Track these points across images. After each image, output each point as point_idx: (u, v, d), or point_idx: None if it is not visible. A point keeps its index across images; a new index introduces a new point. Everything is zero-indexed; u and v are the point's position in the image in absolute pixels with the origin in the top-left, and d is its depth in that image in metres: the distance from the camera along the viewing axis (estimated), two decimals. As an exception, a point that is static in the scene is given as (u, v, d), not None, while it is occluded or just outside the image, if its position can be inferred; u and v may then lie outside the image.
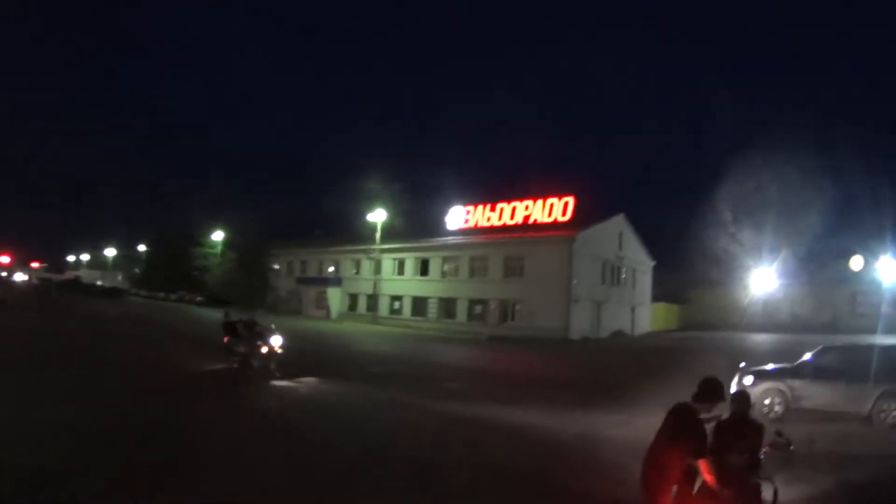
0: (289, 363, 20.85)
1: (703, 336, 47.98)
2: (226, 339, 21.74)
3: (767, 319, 53.37)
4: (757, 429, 6.39)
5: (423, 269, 56.33)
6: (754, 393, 16.08)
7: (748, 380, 16.69)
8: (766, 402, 16.22)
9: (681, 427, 5.96)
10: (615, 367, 30.08)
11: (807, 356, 17.19)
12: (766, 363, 18.73)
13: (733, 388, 16.70)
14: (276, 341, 20.48)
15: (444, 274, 54.84)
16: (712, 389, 6.18)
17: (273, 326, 21.31)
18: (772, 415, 15.97)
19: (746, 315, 54.41)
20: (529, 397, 18.71)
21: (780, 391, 16.29)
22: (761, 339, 45.20)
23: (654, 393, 17.35)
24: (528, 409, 16.25)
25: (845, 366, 16.34)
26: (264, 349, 20.28)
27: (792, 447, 6.27)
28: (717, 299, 59.26)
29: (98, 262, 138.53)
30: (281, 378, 19.38)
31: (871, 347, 18.29)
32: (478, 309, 51.57)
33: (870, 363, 16.12)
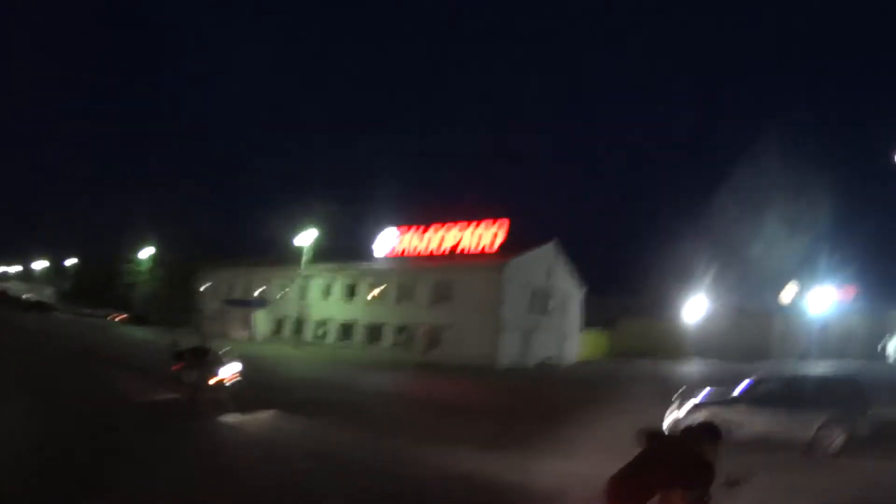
0: (242, 394, 19.06)
1: (634, 364, 47.43)
2: (175, 367, 19.45)
3: (699, 347, 53.14)
4: (707, 469, 5.61)
5: (351, 293, 54.79)
6: (691, 422, 15.31)
7: (685, 408, 16.19)
8: None
9: (686, 469, 5.56)
10: (544, 397, 29.68)
11: (744, 384, 16.90)
12: (700, 391, 18.09)
13: (668, 419, 16.47)
14: (230, 369, 19.15)
15: (371, 299, 53.43)
16: (713, 431, 6.00)
17: (227, 351, 20.31)
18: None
19: (679, 343, 54.14)
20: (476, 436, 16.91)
21: (717, 420, 15.45)
22: (692, 367, 44.88)
23: (591, 429, 16.61)
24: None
25: (785, 393, 16.19)
26: (213, 380, 18.68)
27: (739, 484, 5.81)
28: (648, 326, 58.91)
29: (28, 275, 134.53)
30: (233, 411, 17.64)
31: (810, 376, 18.99)
32: (404, 335, 50.34)
33: (811, 391, 16.37)
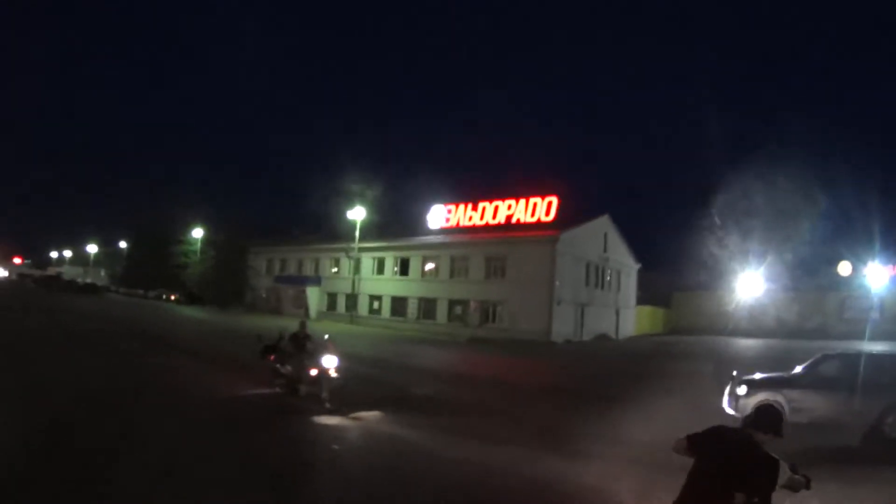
0: (344, 391, 15.46)
1: (689, 340, 46.94)
2: (271, 357, 16.90)
3: (754, 324, 52.31)
4: (772, 466, 4.71)
5: (403, 268, 54.97)
6: (748, 404, 14.83)
7: (741, 390, 15.39)
8: None
9: (752, 469, 4.70)
10: (605, 375, 28.33)
11: (804, 364, 16.04)
12: (755, 369, 17.63)
13: (726, 399, 15.77)
14: (330, 362, 15.46)
15: (423, 274, 53.50)
16: (774, 421, 5.01)
17: (327, 339, 16.61)
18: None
19: (733, 319, 53.27)
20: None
21: (777, 403, 14.59)
22: (748, 344, 44.19)
23: (656, 409, 15.72)
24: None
25: (847, 375, 14.95)
26: (313, 371, 15.53)
27: (809, 488, 4.88)
28: (703, 303, 58.11)
29: (81, 259, 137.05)
30: (332, 411, 14.49)
31: (873, 356, 17.14)
32: (458, 310, 50.29)
33: (874, 373, 14.95)
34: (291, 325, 18.40)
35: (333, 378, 15.36)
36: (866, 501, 9.56)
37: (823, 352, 16.57)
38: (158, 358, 23.37)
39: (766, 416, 5.00)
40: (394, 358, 29.46)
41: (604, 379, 26.48)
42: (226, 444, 11.33)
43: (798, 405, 14.61)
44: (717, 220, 52.25)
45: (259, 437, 12.03)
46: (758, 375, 16.43)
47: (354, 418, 14.20)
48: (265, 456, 10.54)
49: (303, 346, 16.51)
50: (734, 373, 16.48)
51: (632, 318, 55.46)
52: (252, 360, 18.30)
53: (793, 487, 4.79)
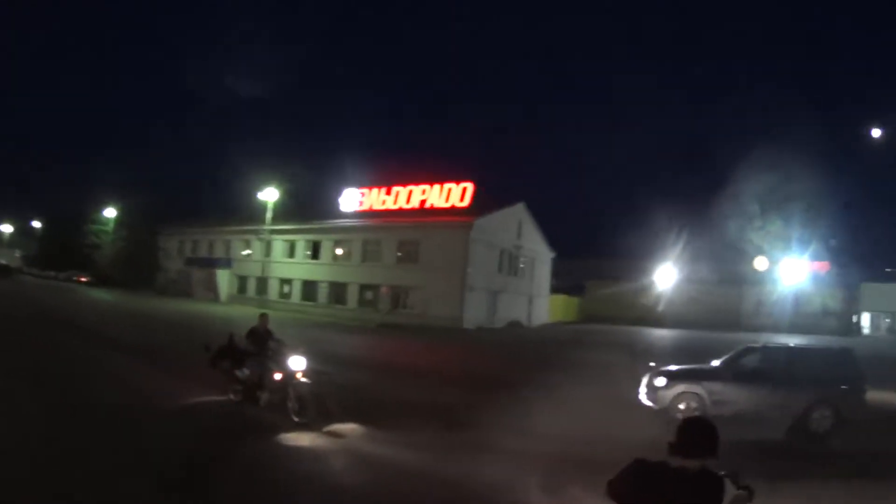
0: (315, 398, 12.20)
1: (603, 329, 46.48)
2: (216, 360, 13.68)
3: (669, 315, 52.37)
4: (715, 487, 3.64)
5: (315, 252, 53.43)
6: (667, 396, 14.56)
7: (660, 381, 14.81)
8: (681, 407, 14.22)
9: None
10: (515, 361, 27.48)
11: (725, 356, 15.65)
12: (670, 361, 17.01)
13: (643, 390, 15.22)
14: (298, 364, 12.58)
15: (335, 258, 52.15)
16: (707, 443, 3.73)
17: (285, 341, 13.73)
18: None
19: (648, 310, 53.30)
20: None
21: (697, 395, 14.37)
22: (662, 334, 44.20)
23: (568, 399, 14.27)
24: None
25: (770, 368, 14.69)
26: (278, 376, 12.62)
27: (751, 500, 3.77)
28: (618, 293, 58.02)
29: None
30: (302, 425, 11.69)
31: (798, 350, 17.27)
32: (369, 295, 49.10)
33: (799, 367, 14.81)
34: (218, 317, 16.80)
35: (303, 384, 12.27)
36: (791, 499, 8.77)
37: (746, 344, 16.38)
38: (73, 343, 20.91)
39: (696, 437, 3.73)
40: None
41: (519, 367, 25.22)
42: (168, 482, 8.16)
43: (720, 398, 14.17)
44: (634, 211, 52.14)
45: (216, 470, 8.86)
46: (676, 367, 15.87)
47: (331, 434, 11.40)
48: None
49: (264, 345, 13.40)
50: (651, 364, 16.02)
51: (545, 306, 54.91)
52: (186, 355, 15.76)
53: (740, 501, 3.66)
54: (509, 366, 25.93)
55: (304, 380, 12.33)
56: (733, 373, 14.62)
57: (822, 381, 14.15)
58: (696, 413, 13.25)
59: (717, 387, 14.32)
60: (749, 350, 15.59)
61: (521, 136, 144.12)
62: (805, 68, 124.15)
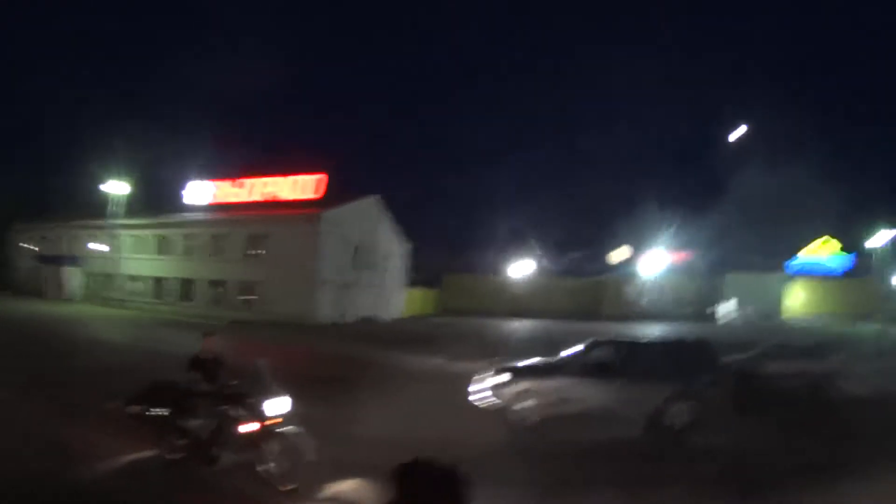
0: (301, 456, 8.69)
1: (458, 322, 45.92)
2: (135, 406, 9.70)
3: (529, 305, 52.23)
4: None
5: (164, 247, 50.76)
6: (507, 394, 13.78)
7: (504, 377, 13.99)
8: (522, 406, 13.43)
9: None
10: (357, 358, 25.70)
11: (572, 350, 14.79)
12: (526, 354, 16.16)
13: (478, 389, 14.43)
14: (280, 406, 9.03)
15: (183, 253, 49.71)
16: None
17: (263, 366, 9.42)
18: (528, 422, 13.26)
19: (508, 300, 53.04)
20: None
21: (540, 392, 13.50)
22: (520, 325, 43.73)
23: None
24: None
25: (622, 362, 13.80)
26: (249, 426, 8.89)
27: None
28: (476, 285, 57.77)
29: None
30: (292, 491, 8.51)
31: (651, 343, 16.77)
32: (219, 291, 47.04)
33: (652, 360, 14.11)
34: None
35: (292, 434, 8.68)
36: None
37: (594, 337, 15.44)
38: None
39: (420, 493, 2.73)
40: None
41: (359, 364, 23.44)
42: None
43: (565, 395, 13.37)
44: (491, 203, 52.03)
45: None
46: (517, 363, 15.13)
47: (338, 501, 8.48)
48: None
49: (215, 379, 9.59)
50: (495, 359, 15.29)
51: (401, 300, 53.86)
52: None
53: None
54: (350, 363, 24.46)
55: (292, 428, 8.77)
56: (580, 368, 13.74)
57: (678, 374, 13.43)
58: (535, 411, 13.17)
59: (562, 383, 13.54)
60: (597, 343, 14.73)
61: (377, 127, 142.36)
62: (669, 57, 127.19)
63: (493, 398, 13.96)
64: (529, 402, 13.40)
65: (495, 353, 16.85)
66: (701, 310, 56.21)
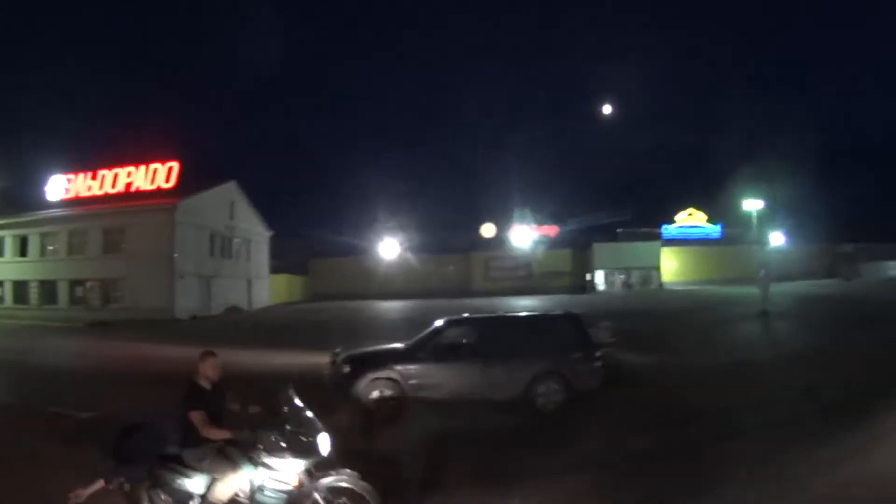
0: None
1: (327, 306, 45.52)
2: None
3: (398, 285, 52.29)
4: None
5: (23, 248, 48.98)
6: (358, 385, 12.34)
7: (346, 368, 12.66)
8: (374, 395, 12.29)
9: None
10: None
11: (424, 332, 13.73)
12: (388, 338, 15.46)
13: (336, 379, 12.87)
14: (323, 445, 6.18)
15: (43, 253, 48.05)
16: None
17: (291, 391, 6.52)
18: (384, 412, 12.16)
19: (376, 282, 52.98)
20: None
21: (393, 381, 12.37)
22: (390, 306, 43.55)
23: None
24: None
25: (482, 342, 12.98)
26: (286, 481, 6.14)
27: None
28: (344, 268, 57.62)
29: None
30: None
31: (516, 316, 15.86)
32: (79, 291, 45.61)
33: (517, 336, 13.29)
34: None
35: (348, 480, 6.34)
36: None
37: (448, 317, 14.26)
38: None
39: None
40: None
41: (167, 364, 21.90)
42: None
43: (420, 381, 12.39)
44: (354, 184, 52.06)
45: None
46: (365, 349, 14.20)
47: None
48: None
49: (220, 414, 6.60)
50: (337, 349, 13.73)
51: (266, 288, 53.15)
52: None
53: None
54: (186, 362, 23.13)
55: (346, 478, 6.32)
56: (433, 351, 12.85)
57: (544, 350, 12.80)
58: (392, 401, 12.22)
59: (415, 369, 12.48)
60: (452, 323, 13.74)
61: (231, 110, 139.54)
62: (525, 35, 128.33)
63: (346, 390, 12.48)
64: (383, 392, 12.34)
65: (356, 339, 16.09)
66: (577, 281, 57.13)
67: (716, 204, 65.50)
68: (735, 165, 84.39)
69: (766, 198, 61.45)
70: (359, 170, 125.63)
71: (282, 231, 54.49)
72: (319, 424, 6.29)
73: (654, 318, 30.75)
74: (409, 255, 54.48)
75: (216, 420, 6.34)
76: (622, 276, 58.19)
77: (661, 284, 57.56)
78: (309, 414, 6.35)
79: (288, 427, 6.13)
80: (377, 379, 12.32)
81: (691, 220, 66.37)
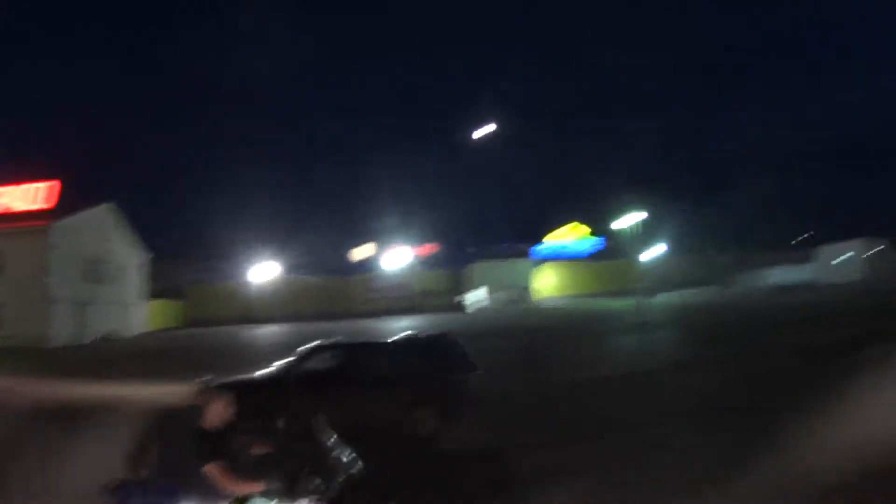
0: None
1: (204, 333, 44.83)
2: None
3: (278, 309, 52.06)
4: None
5: None
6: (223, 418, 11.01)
7: (218, 399, 11.17)
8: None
9: None
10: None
11: (291, 357, 13.14)
12: (259, 364, 14.63)
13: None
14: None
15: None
16: None
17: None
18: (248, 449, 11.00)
19: (255, 306, 52.62)
20: None
21: (260, 412, 10.77)
22: (268, 331, 43.39)
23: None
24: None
25: (353, 365, 12.64)
26: None
27: None
28: (223, 293, 56.95)
29: None
30: None
31: (386, 340, 14.88)
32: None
33: (388, 358, 12.97)
34: None
35: None
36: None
37: (318, 341, 13.82)
38: None
39: None
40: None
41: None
42: None
43: (287, 410, 10.46)
44: (231, 209, 51.69)
45: None
46: (230, 378, 13.22)
47: None
48: None
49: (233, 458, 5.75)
50: (205, 378, 13.15)
51: (144, 314, 51.74)
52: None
53: None
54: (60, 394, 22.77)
55: None
56: (299, 378, 12.31)
57: (419, 373, 12.49)
58: None
59: (283, 398, 11.61)
60: (320, 348, 13.23)
61: (112, 132, 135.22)
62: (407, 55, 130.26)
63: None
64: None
65: (232, 365, 15.86)
66: (451, 300, 58.43)
67: (597, 218, 68.44)
68: (617, 180, 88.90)
69: (647, 210, 64.63)
70: (239, 191, 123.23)
71: (162, 254, 53.13)
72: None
73: (533, 335, 32.21)
74: (289, 278, 54.48)
75: (237, 470, 5.42)
76: (502, 294, 59.86)
77: (541, 300, 59.67)
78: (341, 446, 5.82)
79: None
80: (245, 411, 11.71)
81: (572, 234, 69.22)
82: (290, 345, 24.61)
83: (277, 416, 7.02)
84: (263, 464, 5.70)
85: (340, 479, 5.41)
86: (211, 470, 5.27)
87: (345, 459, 5.64)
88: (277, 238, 51.86)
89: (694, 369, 18.37)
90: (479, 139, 49.69)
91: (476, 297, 58.46)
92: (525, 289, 60.89)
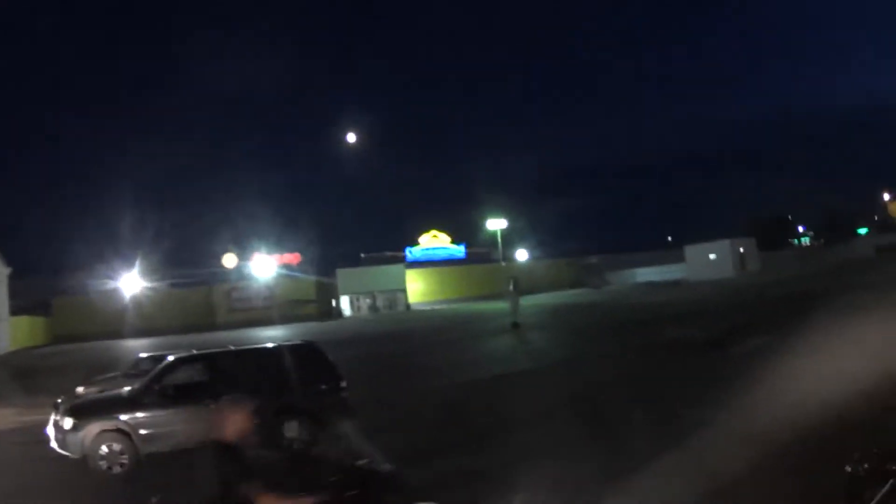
0: None
1: (69, 350, 42.96)
2: None
3: (145, 323, 50.81)
4: None
5: None
6: (84, 442, 10.74)
7: (68, 422, 10.95)
8: (104, 451, 10.76)
9: None
10: None
11: (150, 373, 12.67)
12: (123, 380, 14.29)
13: (51, 434, 11.39)
14: None
15: None
16: None
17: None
18: (116, 470, 10.74)
19: (123, 321, 51.13)
20: None
21: (122, 432, 10.94)
22: (134, 345, 42.08)
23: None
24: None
25: (211, 379, 11.91)
26: None
27: None
28: (89, 307, 55.06)
29: None
30: None
31: (245, 352, 14.08)
32: None
33: (247, 373, 12.06)
34: None
35: None
36: None
37: (175, 355, 13.40)
38: None
39: None
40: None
41: None
42: None
43: (151, 431, 11.14)
44: (94, 221, 50.34)
45: None
46: (88, 399, 13.04)
47: None
48: None
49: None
50: (59, 399, 12.78)
51: (6, 332, 49.23)
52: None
53: None
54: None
55: None
56: (161, 394, 11.68)
57: (283, 386, 12.07)
58: (122, 457, 10.82)
59: (144, 416, 11.20)
60: (181, 361, 12.70)
61: None
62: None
63: (69, 446, 10.99)
64: (112, 446, 10.91)
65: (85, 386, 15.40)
66: (323, 308, 58.75)
67: (459, 225, 70.37)
68: (477, 188, 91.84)
69: (508, 217, 67.04)
70: (101, 201, 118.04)
71: (23, 268, 50.70)
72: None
73: (400, 340, 32.84)
74: (154, 290, 53.39)
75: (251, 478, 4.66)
76: (368, 300, 60.53)
77: (408, 306, 60.83)
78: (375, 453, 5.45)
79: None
80: (105, 431, 11.01)
81: (435, 241, 70.69)
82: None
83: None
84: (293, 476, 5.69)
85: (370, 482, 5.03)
86: (264, 502, 4.47)
87: (373, 463, 5.28)
88: (141, 249, 50.36)
89: (576, 366, 18.85)
90: (346, 149, 50.47)
91: (345, 304, 59.03)
92: (397, 294, 61.81)
